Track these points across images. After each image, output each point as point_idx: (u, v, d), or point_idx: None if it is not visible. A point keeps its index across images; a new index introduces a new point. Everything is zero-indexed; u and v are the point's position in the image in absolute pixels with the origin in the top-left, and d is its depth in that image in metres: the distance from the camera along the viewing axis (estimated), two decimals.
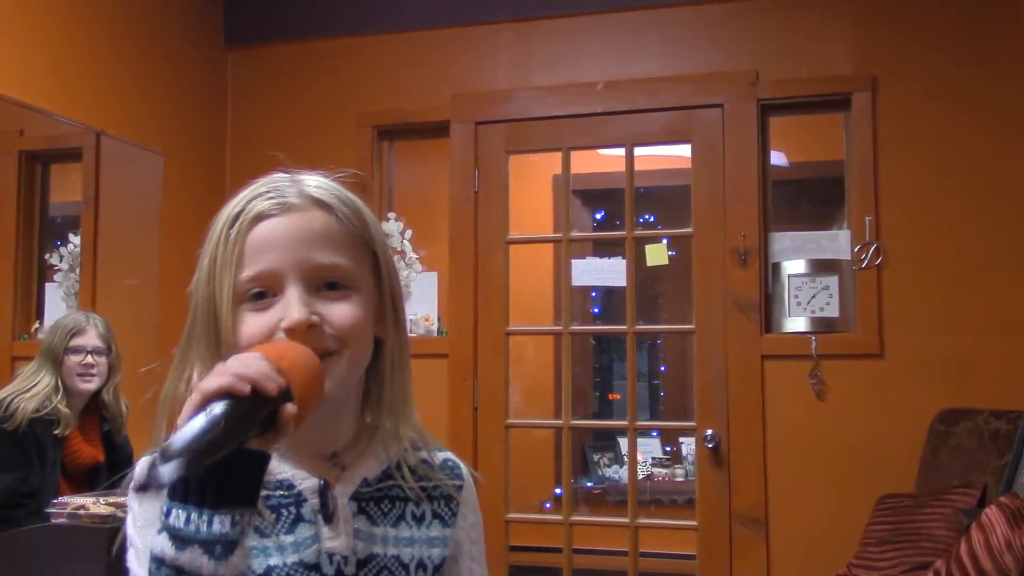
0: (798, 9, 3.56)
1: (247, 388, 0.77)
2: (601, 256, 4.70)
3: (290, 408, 0.80)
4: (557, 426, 3.80)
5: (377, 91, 3.97)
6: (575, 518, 3.73)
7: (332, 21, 4.05)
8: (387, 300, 0.99)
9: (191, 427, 0.74)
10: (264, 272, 0.92)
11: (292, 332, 0.90)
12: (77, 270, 3.35)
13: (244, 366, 0.79)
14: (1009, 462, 2.89)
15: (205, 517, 0.77)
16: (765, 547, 3.40)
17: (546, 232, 4.69)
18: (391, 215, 3.91)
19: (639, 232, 3.76)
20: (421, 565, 0.98)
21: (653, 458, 5.05)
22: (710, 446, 3.48)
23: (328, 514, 0.95)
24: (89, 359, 2.86)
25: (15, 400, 2.72)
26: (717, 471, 3.49)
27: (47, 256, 3.33)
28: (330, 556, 0.93)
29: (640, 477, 4.54)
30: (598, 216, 5.40)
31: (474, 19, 3.88)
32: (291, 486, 0.96)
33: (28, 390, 2.76)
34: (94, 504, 2.42)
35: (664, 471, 4.96)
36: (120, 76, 3.58)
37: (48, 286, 3.32)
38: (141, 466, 0.92)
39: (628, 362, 3.70)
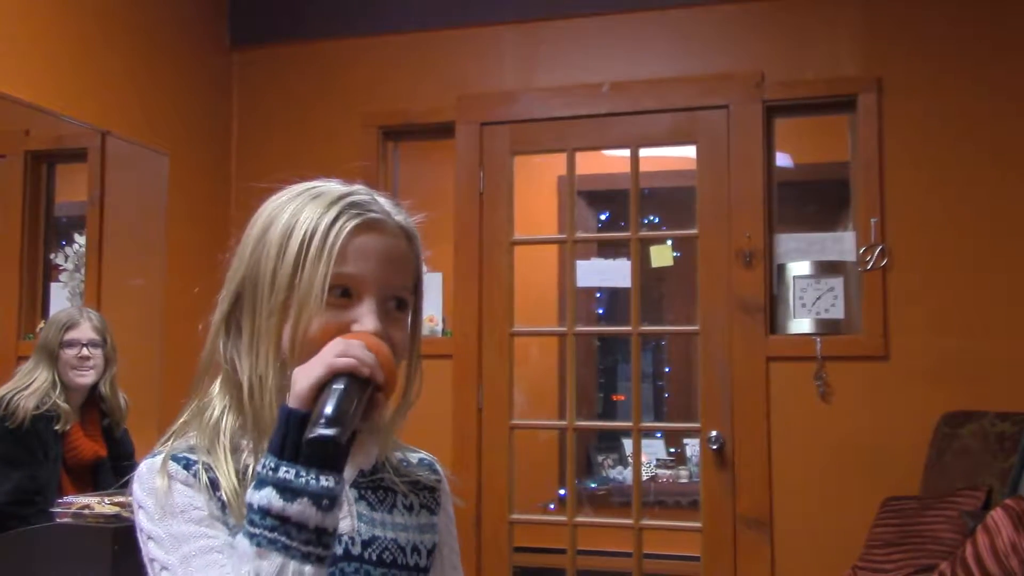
0: (804, 11, 3.55)
1: (367, 371, 0.89)
2: (606, 257, 4.70)
3: (383, 398, 0.92)
4: (561, 427, 3.80)
5: (382, 92, 3.97)
6: (579, 519, 3.73)
7: (338, 22, 4.05)
8: (418, 322, 1.09)
9: (336, 397, 0.86)
10: (356, 275, 0.99)
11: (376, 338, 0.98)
12: (82, 270, 3.36)
13: (364, 352, 0.91)
14: (1015, 464, 2.88)
15: (313, 474, 0.85)
16: (769, 549, 3.39)
17: (551, 233, 4.69)
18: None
19: (644, 233, 3.76)
20: (415, 549, 1.06)
21: (657, 459, 5.04)
22: (714, 448, 3.48)
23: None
24: (85, 352, 2.86)
25: (15, 398, 2.73)
26: (721, 473, 3.48)
27: (52, 256, 3.34)
28: (339, 537, 0.98)
29: (644, 478, 4.54)
30: (603, 217, 5.40)
31: (479, 20, 3.88)
32: None
33: (27, 387, 2.77)
34: (99, 504, 2.42)
35: (668, 472, 4.96)
36: (125, 76, 3.58)
37: (53, 286, 3.33)
38: (145, 466, 0.99)
39: (632, 363, 3.70)
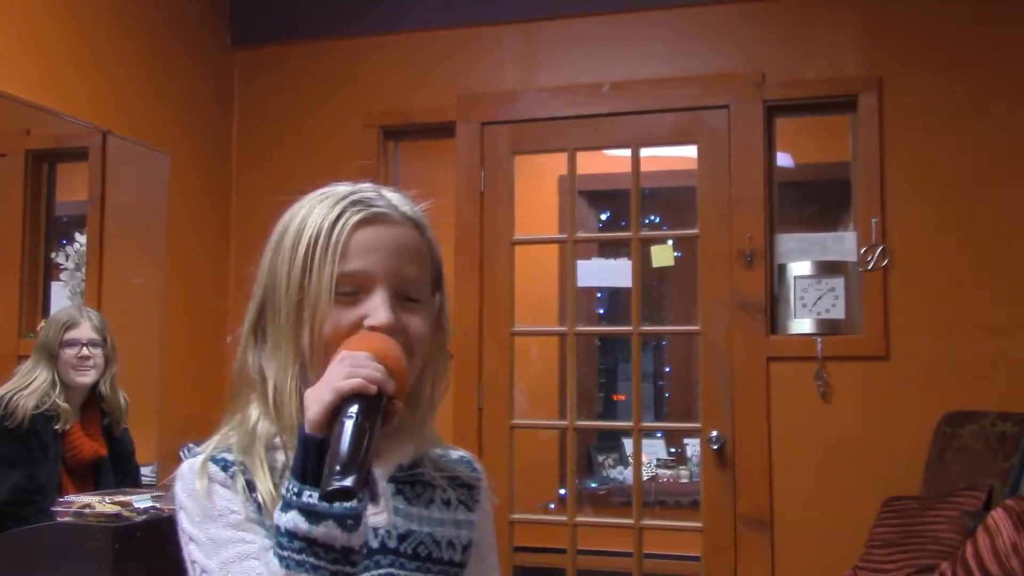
0: (805, 11, 3.55)
1: (375, 389, 0.89)
2: (606, 257, 4.70)
3: (399, 404, 0.92)
4: (562, 427, 3.80)
5: (383, 91, 3.97)
6: (579, 519, 3.73)
7: (339, 21, 4.05)
8: (444, 315, 1.10)
9: (349, 437, 0.85)
10: (361, 271, 1.00)
11: (378, 332, 0.98)
12: (83, 269, 3.36)
13: (370, 369, 0.90)
14: (1015, 465, 2.88)
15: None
16: (770, 549, 3.39)
17: (551, 233, 4.68)
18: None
19: (645, 233, 3.76)
20: (451, 544, 1.07)
21: (658, 459, 5.04)
22: (715, 447, 3.48)
23: (372, 494, 1.01)
24: (85, 351, 2.86)
25: (14, 397, 2.72)
26: (722, 473, 3.48)
27: (53, 255, 3.34)
28: (374, 530, 1.01)
29: (645, 478, 4.54)
30: (604, 217, 5.40)
31: (480, 20, 3.88)
32: None
33: (26, 386, 2.76)
34: (100, 503, 2.42)
35: (669, 472, 4.96)
36: (127, 76, 3.58)
37: (54, 285, 3.33)
38: (187, 466, 1.03)
39: (633, 363, 3.70)
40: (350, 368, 0.90)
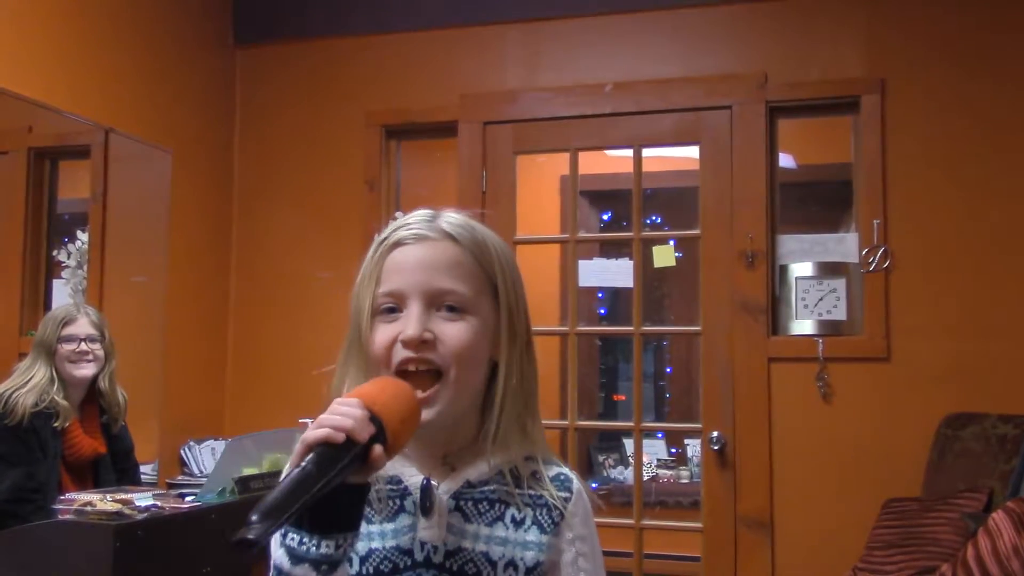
0: (808, 12, 3.55)
1: (342, 437, 0.90)
2: (608, 257, 4.70)
3: (377, 449, 0.92)
4: (562, 427, 3.79)
5: (385, 91, 3.97)
6: None
7: (341, 20, 4.05)
8: (504, 327, 1.10)
9: (283, 486, 0.87)
10: (393, 291, 1.07)
11: (407, 344, 1.04)
12: (85, 267, 3.36)
13: (342, 417, 0.92)
14: (1016, 467, 2.88)
15: (314, 541, 0.91)
16: (770, 550, 3.39)
17: (553, 233, 4.68)
18: (398, 214, 3.89)
19: (646, 233, 3.76)
20: (512, 564, 1.07)
21: (658, 459, 5.04)
22: (716, 448, 3.48)
23: (425, 508, 1.06)
24: (83, 346, 2.85)
25: (13, 395, 2.72)
26: (723, 473, 3.48)
27: (55, 252, 3.34)
28: (422, 544, 1.05)
29: (645, 479, 4.54)
30: (605, 217, 5.40)
31: (483, 19, 3.88)
32: (399, 481, 1.08)
33: (25, 384, 2.76)
34: (101, 501, 2.43)
35: (669, 473, 4.96)
36: (129, 73, 3.58)
37: (56, 282, 3.33)
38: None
39: (634, 363, 3.69)
40: (326, 416, 0.93)
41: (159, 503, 2.55)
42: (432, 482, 1.07)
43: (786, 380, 3.43)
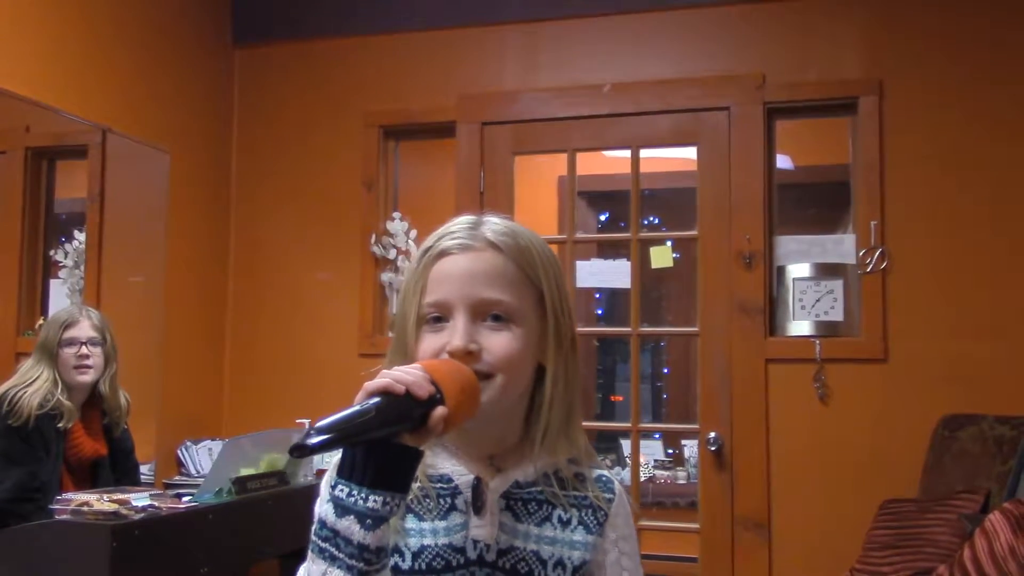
0: (806, 13, 3.55)
1: (402, 389, 0.92)
2: (605, 258, 4.69)
3: (440, 411, 0.94)
4: None
5: (384, 91, 3.97)
6: None
7: (340, 21, 4.05)
8: (551, 333, 1.11)
9: (345, 412, 0.89)
10: (439, 301, 1.08)
11: (453, 355, 1.05)
12: (82, 267, 3.36)
13: (403, 372, 0.94)
14: (1013, 468, 2.88)
15: (363, 493, 0.92)
16: (767, 551, 3.39)
17: (551, 233, 4.67)
18: (396, 215, 3.91)
19: (644, 234, 3.76)
20: (560, 563, 1.09)
21: (655, 460, 5.04)
22: (713, 449, 3.48)
23: (478, 506, 1.08)
24: (84, 350, 2.85)
25: (18, 395, 2.72)
26: (720, 474, 3.48)
27: (52, 252, 3.33)
28: (475, 542, 1.06)
29: (642, 479, 4.54)
30: (603, 218, 5.41)
31: (481, 20, 3.88)
32: (449, 480, 1.10)
33: (29, 384, 2.76)
34: (98, 501, 2.42)
35: (666, 473, 4.96)
36: (127, 73, 3.58)
37: (53, 282, 3.33)
38: (335, 458, 1.05)
39: (632, 364, 3.70)
40: (387, 372, 0.95)
41: (156, 503, 2.55)
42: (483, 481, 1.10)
43: (783, 381, 3.43)
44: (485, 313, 1.07)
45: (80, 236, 3.38)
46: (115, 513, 2.40)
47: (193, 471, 3.65)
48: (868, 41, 3.49)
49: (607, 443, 5.22)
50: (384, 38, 3.99)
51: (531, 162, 4.42)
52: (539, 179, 4.84)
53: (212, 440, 3.78)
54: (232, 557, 2.86)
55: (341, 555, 0.92)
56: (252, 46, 4.17)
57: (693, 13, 3.66)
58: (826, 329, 3.44)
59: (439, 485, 1.09)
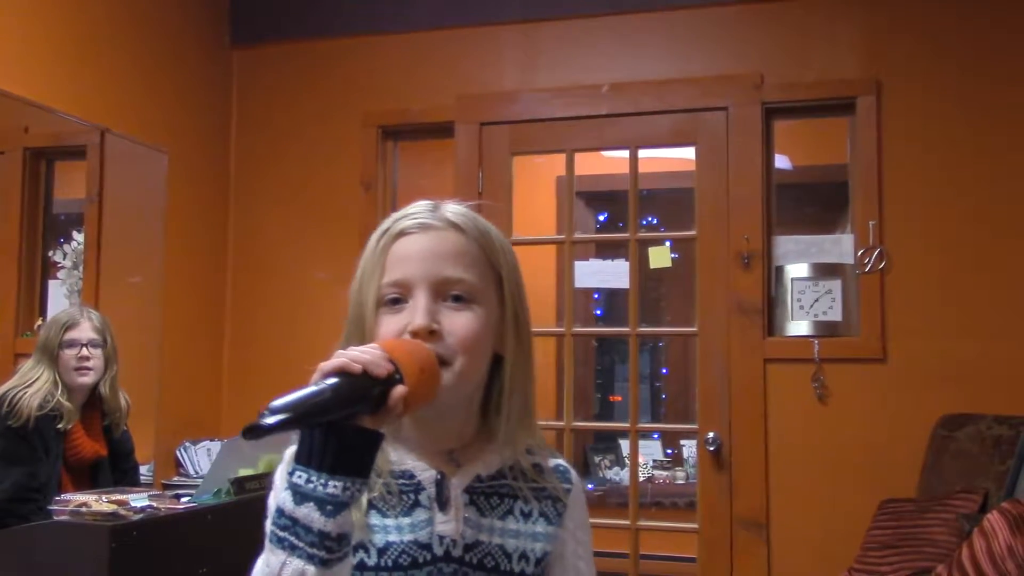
0: (804, 13, 3.56)
1: (358, 368, 0.90)
2: (604, 258, 4.70)
3: (399, 390, 0.92)
4: (558, 427, 3.80)
5: (382, 91, 3.97)
6: None
7: (338, 21, 4.05)
8: (509, 319, 1.10)
9: (300, 392, 0.87)
10: (399, 280, 1.05)
11: (415, 335, 1.02)
12: (80, 267, 3.36)
13: (360, 351, 0.93)
14: (1011, 468, 2.88)
15: (322, 479, 0.89)
16: (766, 550, 3.39)
17: (549, 233, 4.68)
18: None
19: (642, 234, 3.76)
20: (524, 556, 1.08)
21: (654, 460, 5.05)
22: (712, 449, 3.48)
23: (442, 502, 1.06)
24: (85, 352, 2.86)
25: (18, 395, 2.72)
26: (718, 474, 3.49)
27: (51, 253, 3.33)
28: (440, 538, 1.05)
29: (641, 479, 4.54)
30: (601, 218, 5.41)
31: (480, 20, 3.88)
32: (412, 476, 1.08)
33: (29, 385, 2.76)
34: (96, 501, 2.42)
35: (665, 473, 4.96)
36: (125, 74, 3.58)
37: (51, 283, 3.33)
38: (288, 452, 1.03)
39: (630, 364, 3.70)
40: (342, 351, 0.93)
41: (155, 504, 2.55)
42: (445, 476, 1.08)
43: (782, 381, 3.44)
44: (446, 293, 1.05)
45: (79, 237, 3.38)
46: (113, 514, 2.39)
47: (192, 472, 3.65)
48: (866, 41, 3.49)
49: (606, 443, 5.22)
50: (382, 38, 4.00)
51: (529, 162, 4.42)
52: (537, 179, 4.85)
53: (211, 440, 3.78)
54: (231, 558, 2.86)
55: (301, 544, 0.89)
56: (250, 46, 4.17)
57: (691, 13, 3.66)
58: (824, 329, 3.44)
59: (402, 481, 1.07)
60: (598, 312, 5.45)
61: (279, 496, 0.92)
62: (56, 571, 2.37)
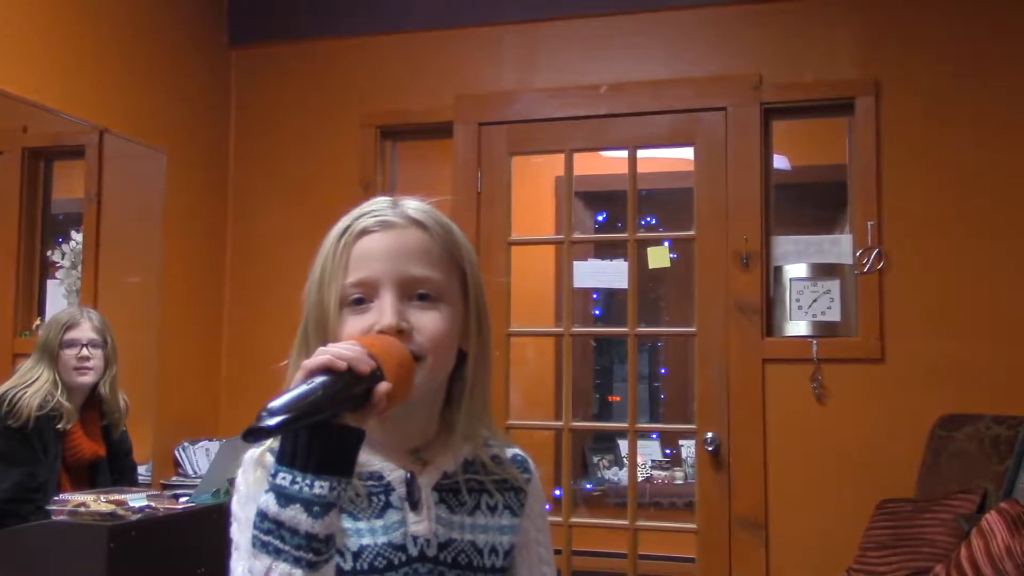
0: (802, 13, 3.56)
1: (344, 365, 0.89)
2: (603, 258, 4.70)
3: (384, 386, 0.91)
4: (557, 428, 3.80)
5: (381, 91, 3.97)
6: (575, 520, 3.73)
7: (336, 21, 4.05)
8: (472, 315, 1.10)
9: (294, 392, 0.87)
10: (364, 280, 1.04)
11: (386, 333, 1.01)
12: (79, 267, 3.35)
13: (342, 348, 0.91)
14: (1009, 468, 2.89)
15: (308, 480, 0.88)
16: (765, 551, 3.40)
17: (548, 234, 4.69)
18: None
19: (641, 234, 3.76)
20: (493, 550, 1.08)
21: (653, 460, 5.05)
22: (710, 449, 3.48)
23: (414, 502, 1.06)
24: (85, 352, 2.86)
25: (18, 395, 2.72)
26: (717, 474, 3.49)
27: (49, 253, 3.33)
28: (414, 539, 1.04)
29: (640, 480, 4.54)
30: (600, 218, 5.40)
31: (478, 20, 3.88)
32: (381, 477, 1.06)
33: (29, 385, 2.76)
34: (95, 501, 2.42)
35: (664, 474, 4.96)
36: (124, 74, 3.58)
37: (50, 283, 3.33)
38: (248, 455, 1.05)
39: (629, 364, 3.70)
40: (324, 349, 0.92)
41: (153, 504, 2.55)
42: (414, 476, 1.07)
43: (780, 381, 3.44)
44: (412, 292, 1.04)
45: (77, 236, 3.38)
46: (112, 514, 2.40)
47: (190, 472, 3.65)
48: (865, 42, 3.49)
49: (604, 443, 5.22)
50: (381, 38, 3.99)
51: (528, 162, 4.42)
52: (536, 179, 4.85)
53: (209, 441, 3.78)
54: (230, 558, 2.86)
55: (287, 547, 0.87)
56: (248, 46, 4.17)
57: (690, 14, 3.66)
58: (823, 329, 3.44)
59: (371, 483, 1.06)
60: (597, 312, 5.45)
61: (260, 501, 0.90)
62: (55, 571, 2.37)
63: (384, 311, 1.02)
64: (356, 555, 1.02)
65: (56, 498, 2.50)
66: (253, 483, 1.02)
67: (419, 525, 1.05)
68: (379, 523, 1.04)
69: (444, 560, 1.05)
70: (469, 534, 1.07)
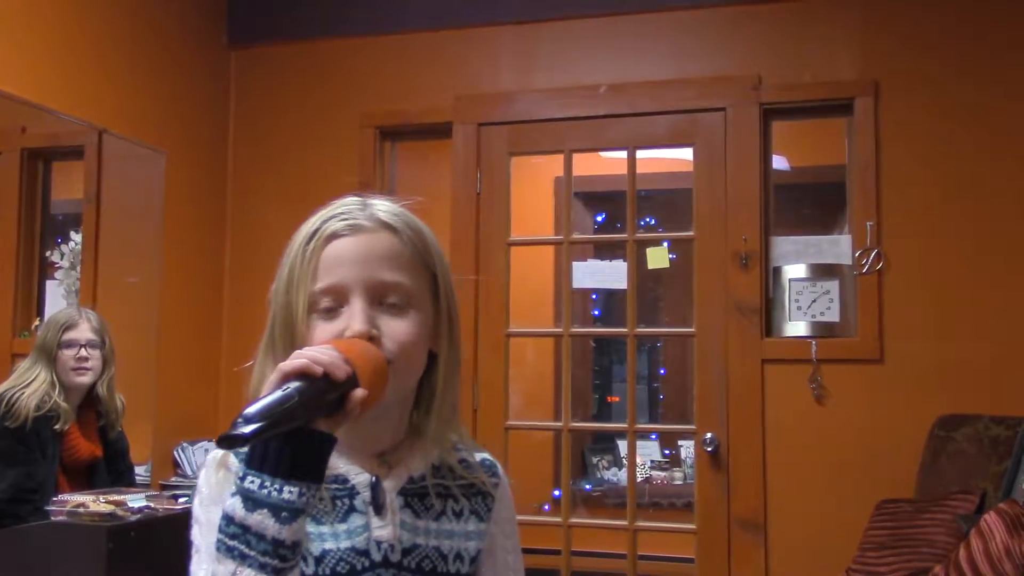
0: (802, 14, 3.56)
1: (320, 370, 0.88)
2: (602, 259, 4.70)
3: (359, 392, 0.91)
4: (556, 428, 3.80)
5: (380, 92, 3.97)
6: (574, 520, 3.73)
7: (336, 22, 4.05)
8: (443, 318, 1.08)
9: (270, 397, 0.85)
10: (333, 285, 1.02)
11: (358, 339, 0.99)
12: (78, 268, 3.35)
13: (318, 353, 0.90)
14: (1008, 468, 2.89)
15: (277, 484, 0.86)
16: (764, 551, 3.40)
17: (547, 234, 4.69)
18: None
19: (640, 235, 3.76)
20: (459, 556, 1.07)
21: (652, 461, 5.05)
22: (709, 449, 3.48)
23: (378, 506, 1.04)
24: (83, 352, 2.86)
25: (15, 396, 2.72)
26: (716, 474, 3.49)
27: (48, 253, 3.33)
28: (378, 544, 1.02)
29: (639, 480, 4.54)
30: (599, 219, 5.40)
31: (478, 21, 3.88)
32: (345, 480, 1.04)
33: (27, 385, 2.76)
34: (94, 502, 2.42)
35: (663, 474, 4.96)
36: (123, 74, 3.58)
37: (49, 283, 3.33)
38: (211, 456, 1.04)
39: (628, 365, 3.70)
40: (300, 353, 0.91)
41: (152, 504, 2.55)
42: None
43: (780, 382, 3.44)
44: (382, 297, 1.02)
45: (76, 237, 3.38)
46: (111, 514, 2.40)
47: (189, 472, 3.65)
48: (864, 42, 3.49)
49: (604, 443, 5.23)
50: (380, 39, 3.99)
51: (527, 163, 4.42)
52: (535, 180, 4.85)
53: (208, 441, 3.78)
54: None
55: (252, 553, 0.86)
56: (247, 47, 4.17)
57: (689, 14, 3.67)
58: (822, 330, 3.44)
59: (335, 486, 1.04)
60: (596, 312, 5.45)
61: (226, 505, 0.88)
62: (54, 571, 2.37)
63: (354, 317, 1.00)
64: (319, 560, 1.00)
65: (55, 499, 2.50)
66: (216, 485, 1.00)
67: (383, 530, 1.03)
68: (342, 527, 1.02)
69: (408, 566, 1.03)
70: (434, 539, 1.05)
